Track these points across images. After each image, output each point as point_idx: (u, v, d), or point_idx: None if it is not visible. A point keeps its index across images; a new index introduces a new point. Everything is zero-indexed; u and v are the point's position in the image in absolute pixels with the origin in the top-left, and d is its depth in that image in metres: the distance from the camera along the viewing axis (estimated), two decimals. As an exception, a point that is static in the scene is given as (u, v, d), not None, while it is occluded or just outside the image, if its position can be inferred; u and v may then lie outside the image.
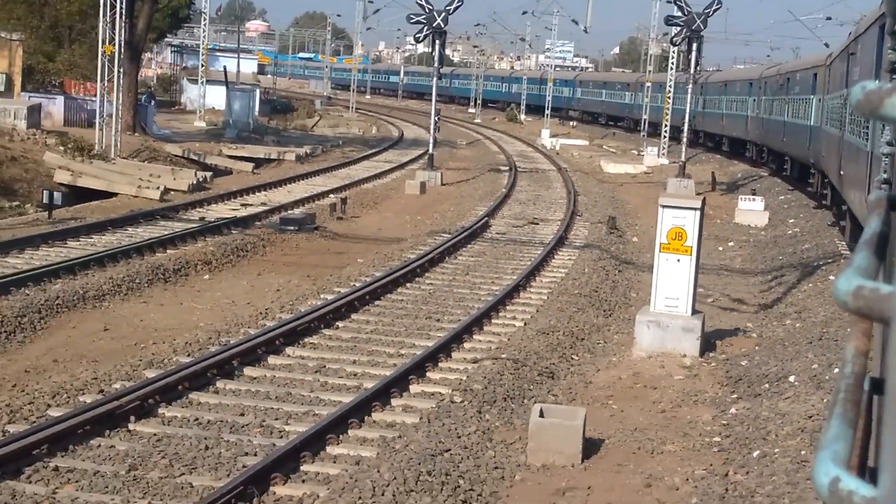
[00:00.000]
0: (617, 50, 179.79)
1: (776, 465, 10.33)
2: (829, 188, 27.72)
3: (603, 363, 14.86)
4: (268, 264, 21.40)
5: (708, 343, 15.66)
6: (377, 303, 16.85)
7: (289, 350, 13.63)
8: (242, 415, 11.05)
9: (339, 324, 15.26)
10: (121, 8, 33.91)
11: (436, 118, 38.00)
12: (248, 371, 12.60)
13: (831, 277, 20.10)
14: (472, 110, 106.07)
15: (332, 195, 31.55)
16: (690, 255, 15.02)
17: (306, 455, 9.70)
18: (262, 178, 35.61)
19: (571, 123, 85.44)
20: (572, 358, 15.03)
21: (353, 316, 15.81)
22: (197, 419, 10.81)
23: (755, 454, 10.90)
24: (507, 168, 43.78)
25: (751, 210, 30.84)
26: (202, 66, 51.61)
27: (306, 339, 14.22)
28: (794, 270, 22.19)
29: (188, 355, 12.97)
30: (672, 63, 54.39)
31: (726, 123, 52.79)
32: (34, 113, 35.30)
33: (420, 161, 45.49)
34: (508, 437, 11.28)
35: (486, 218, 27.06)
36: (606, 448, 11.15)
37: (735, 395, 13.35)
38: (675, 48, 54.76)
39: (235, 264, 21.16)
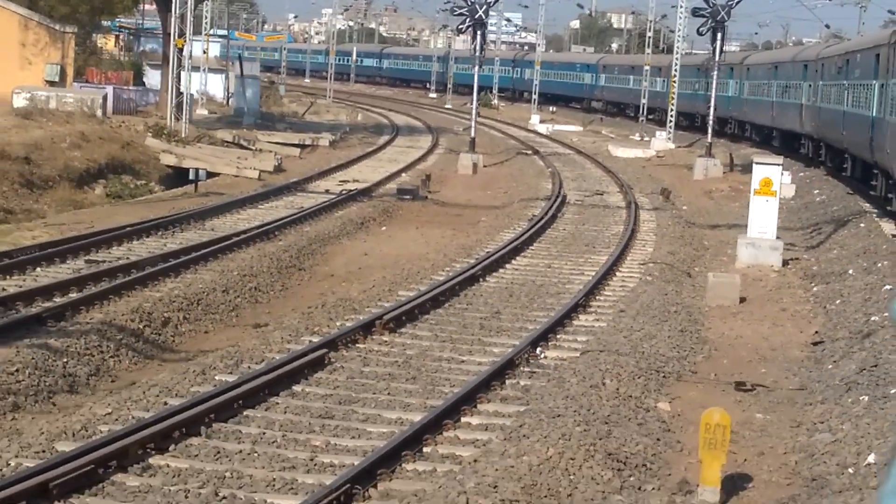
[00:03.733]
0: (577, 24, 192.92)
1: (852, 302, 22.36)
2: None
3: (716, 270, 26.86)
4: (414, 221, 33.06)
5: (783, 262, 27.71)
6: (540, 239, 28.70)
7: (519, 258, 25.48)
8: (524, 284, 22.85)
9: (533, 247, 27.14)
10: (192, 3, 45.20)
11: (476, 108, 49.90)
12: (509, 265, 24.43)
13: (861, 225, 32.15)
14: (432, 95, 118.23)
15: (403, 174, 43.33)
16: (775, 196, 27.08)
17: (580, 307, 21.58)
18: (318, 162, 47.14)
19: (551, 108, 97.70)
20: (694, 269, 27.03)
21: (534, 245, 27.69)
22: (510, 282, 22.62)
23: (837, 301, 22.94)
24: (531, 152, 55.86)
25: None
26: (204, 52, 62.85)
27: (525, 252, 26.09)
28: (828, 224, 34.25)
29: (461, 262, 24.76)
30: (678, 48, 67.09)
31: (777, 113, 54.00)
32: (105, 102, 46.53)
33: (440, 147, 57.47)
34: (688, 294, 23.25)
35: (560, 189, 39.01)
36: (749, 301, 23.15)
37: (813, 284, 25.43)
38: (678, 33, 67.48)
39: (390, 222, 32.82)
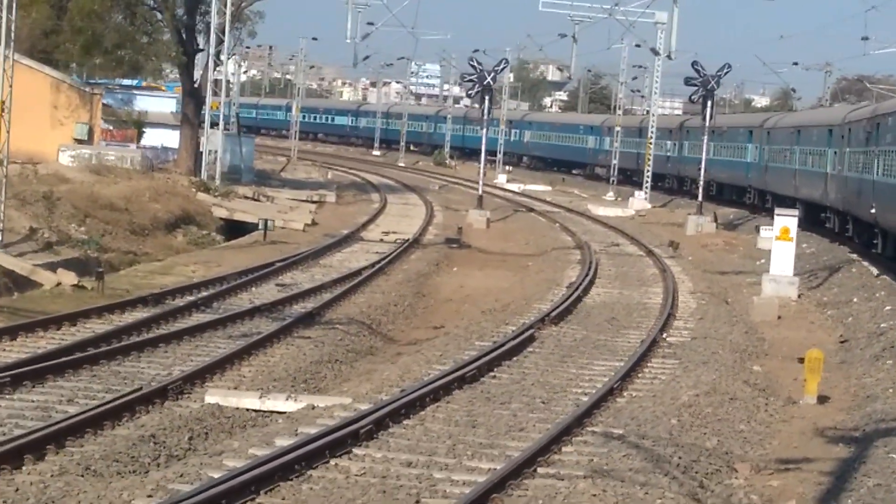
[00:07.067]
0: (511, 77, 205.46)
1: (863, 318, 33.86)
2: None
3: (747, 300, 38.36)
4: (472, 265, 44.17)
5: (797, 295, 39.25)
6: (599, 276, 40.00)
7: (596, 288, 36.74)
8: (615, 303, 34.13)
9: (598, 281, 38.43)
10: (228, 70, 56.28)
11: (483, 169, 61.46)
12: (593, 292, 35.71)
13: (853, 270, 43.85)
14: (376, 153, 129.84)
15: (429, 227, 54.58)
16: (792, 241, 38.68)
17: (671, 315, 32.97)
18: (337, 216, 58.14)
19: (507, 168, 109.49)
20: (728, 298, 38.46)
21: (598, 280, 38.96)
22: (604, 302, 33.91)
23: (850, 319, 34.46)
24: (525, 209, 67.46)
25: (771, 237, 54.81)
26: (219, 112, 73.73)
27: (596, 284, 37.40)
28: (823, 271, 45.97)
29: (558, 288, 36.05)
30: (653, 109, 79.29)
31: (800, 183, 55.59)
32: (142, 160, 57.28)
33: (437, 204, 68.87)
34: (736, 312, 34.66)
35: (581, 240, 50.46)
36: (783, 318, 34.61)
37: (826, 309, 36.99)
38: (649, 93, 79.56)
39: (455, 264, 43.91)
